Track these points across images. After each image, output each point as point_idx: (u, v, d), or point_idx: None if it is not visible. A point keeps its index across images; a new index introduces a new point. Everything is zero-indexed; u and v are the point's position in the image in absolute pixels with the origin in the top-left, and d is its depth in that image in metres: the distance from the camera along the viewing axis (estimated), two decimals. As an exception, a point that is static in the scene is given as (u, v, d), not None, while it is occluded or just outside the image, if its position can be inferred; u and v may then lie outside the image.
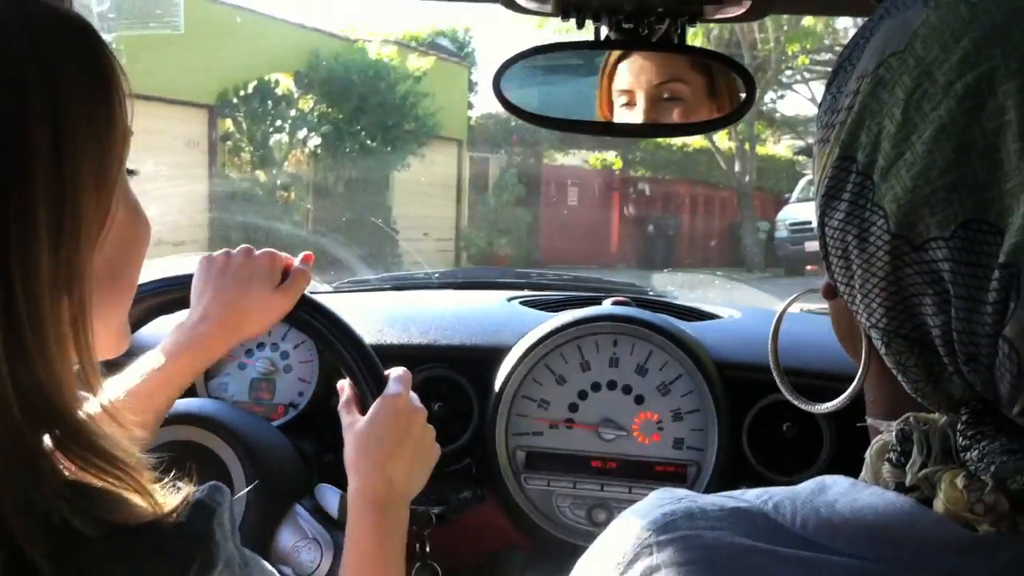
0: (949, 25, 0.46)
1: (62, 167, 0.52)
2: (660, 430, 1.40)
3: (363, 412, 1.02)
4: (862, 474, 0.52)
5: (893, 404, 0.53)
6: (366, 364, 1.06)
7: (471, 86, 17.45)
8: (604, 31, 1.16)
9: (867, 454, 0.52)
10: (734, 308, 1.74)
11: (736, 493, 0.53)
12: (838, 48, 16.27)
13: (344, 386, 1.06)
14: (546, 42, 1.23)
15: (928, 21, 0.47)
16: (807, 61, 16.24)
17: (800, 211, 15.26)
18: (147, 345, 1.05)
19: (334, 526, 1.09)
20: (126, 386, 0.97)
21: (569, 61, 1.35)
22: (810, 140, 17.69)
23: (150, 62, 7.26)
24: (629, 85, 1.29)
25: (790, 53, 15.72)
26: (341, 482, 1.25)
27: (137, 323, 1.18)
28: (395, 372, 1.06)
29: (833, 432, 1.37)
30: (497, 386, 1.41)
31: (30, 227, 0.50)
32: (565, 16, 1.14)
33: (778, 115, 19.38)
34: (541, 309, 1.63)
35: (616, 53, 1.30)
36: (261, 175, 12.10)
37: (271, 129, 12.14)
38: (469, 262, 14.49)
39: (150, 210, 0.65)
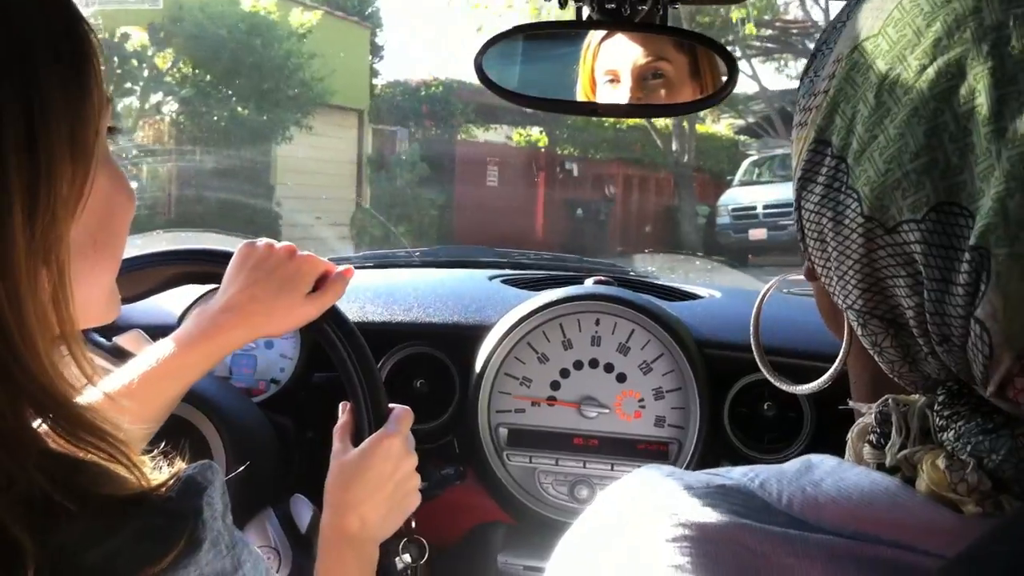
0: (921, 9, 0.46)
1: (35, 137, 0.51)
2: (642, 408, 1.41)
3: (356, 442, 1.01)
4: (845, 456, 0.52)
5: (875, 386, 0.53)
6: (373, 397, 1.04)
7: (375, 50, 15.86)
8: (586, 11, 1.16)
9: (848, 436, 0.52)
10: (714, 288, 1.74)
11: (722, 471, 0.53)
12: (779, 24, 16.10)
13: (344, 410, 1.05)
14: (523, 22, 1.22)
15: (901, 5, 0.47)
16: (754, 31, 15.00)
17: (743, 195, 14.16)
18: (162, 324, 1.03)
19: (298, 542, 1.09)
20: (138, 370, 0.95)
21: (551, 41, 1.34)
22: (751, 119, 17.18)
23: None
24: (614, 64, 1.29)
25: (734, 20, 14.34)
26: (322, 464, 1.25)
27: (165, 285, 1.17)
28: (397, 411, 1.04)
29: (814, 412, 1.38)
30: (479, 364, 1.42)
31: (3, 198, 0.49)
32: (548, -6, 1.13)
33: (719, 92, 18.32)
34: (523, 288, 1.63)
35: (600, 33, 1.29)
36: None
37: (118, 92, 10.22)
38: (365, 250, 12.66)
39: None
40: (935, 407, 0.47)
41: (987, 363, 0.42)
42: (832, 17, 0.56)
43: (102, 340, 1.19)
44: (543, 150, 16.76)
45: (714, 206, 15.08)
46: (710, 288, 1.74)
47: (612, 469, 1.40)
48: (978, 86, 0.42)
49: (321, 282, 1.06)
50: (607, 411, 1.41)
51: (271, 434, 1.26)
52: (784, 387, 0.64)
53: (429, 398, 1.46)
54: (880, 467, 0.48)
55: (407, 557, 1.18)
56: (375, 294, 1.57)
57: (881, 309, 0.48)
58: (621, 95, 1.29)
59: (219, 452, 1.13)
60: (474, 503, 1.45)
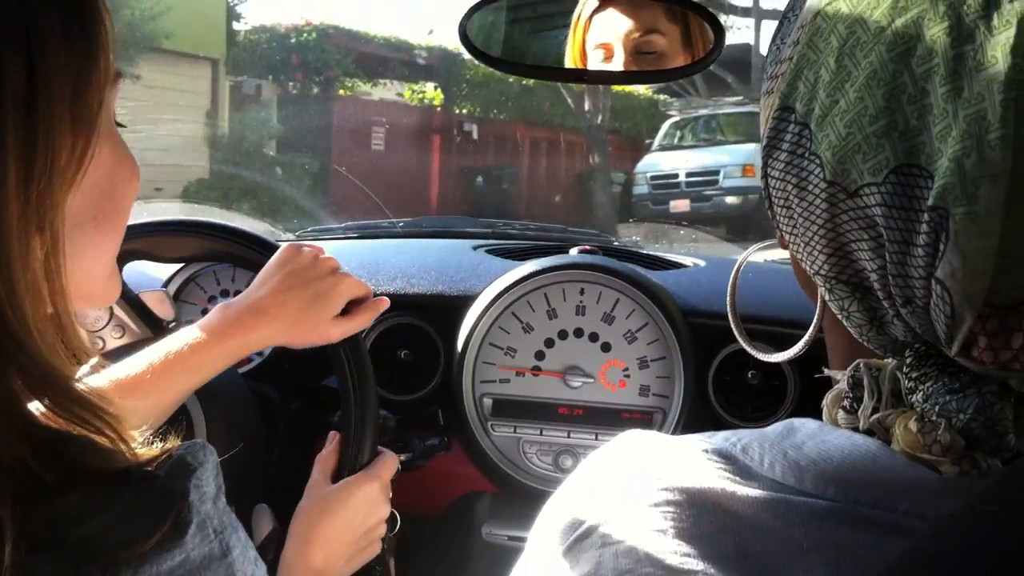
0: None
1: (35, 103, 0.49)
2: (627, 377, 1.41)
3: (335, 477, 1.01)
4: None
5: (849, 354, 0.53)
6: (364, 437, 1.03)
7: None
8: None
9: (823, 403, 0.52)
10: (698, 257, 1.74)
11: (704, 435, 0.53)
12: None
13: (331, 439, 1.04)
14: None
15: None
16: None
17: (664, 161, 12.46)
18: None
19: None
20: (154, 361, 0.93)
21: (538, 6, 1.33)
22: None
23: None
24: (606, 37, 1.28)
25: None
26: (304, 434, 1.24)
27: (199, 257, 1.14)
28: (383, 457, 1.04)
29: (797, 379, 1.39)
30: (464, 334, 1.41)
31: None
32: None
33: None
34: (507, 258, 1.63)
35: (591, 4, 1.28)
36: None
37: None
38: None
39: None
40: (903, 369, 0.48)
41: (949, 323, 0.43)
42: None
43: (128, 289, 1.18)
44: (439, 109, 14.36)
45: (631, 173, 13.34)
46: (694, 257, 1.74)
47: (596, 439, 1.40)
48: (935, 46, 0.43)
49: (352, 304, 1.04)
50: (592, 380, 1.41)
51: (255, 405, 1.25)
52: (759, 355, 0.65)
53: (413, 368, 1.46)
54: (855, 431, 0.49)
55: None
56: (359, 264, 1.56)
57: (847, 274, 0.49)
58: (614, 68, 1.28)
59: (200, 424, 1.12)
60: (458, 473, 1.45)
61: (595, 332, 1.42)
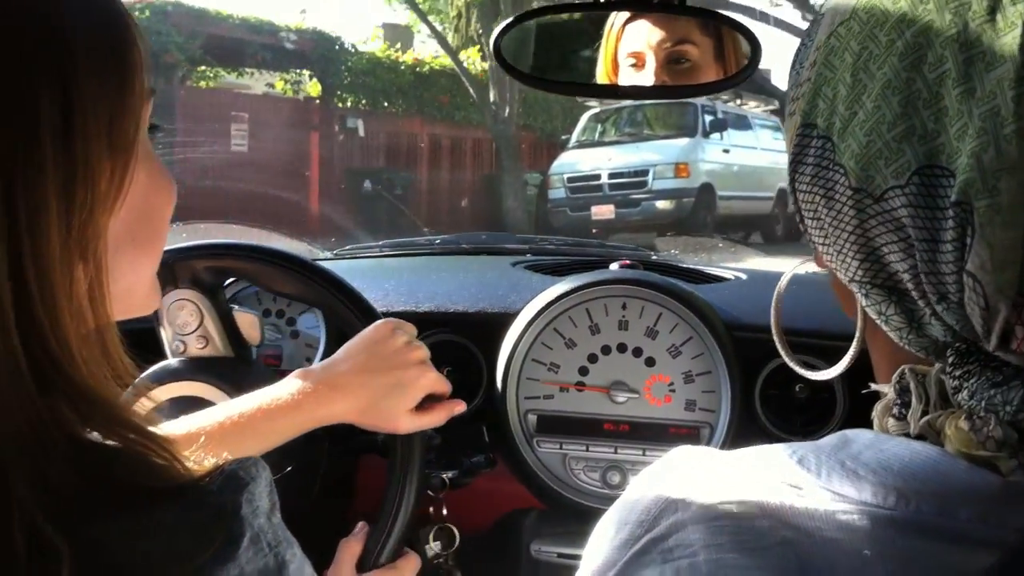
0: None
1: (71, 132, 0.50)
2: (672, 392, 1.40)
3: (360, 567, 1.01)
4: None
5: (893, 363, 0.53)
6: (396, 533, 1.02)
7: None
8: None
9: (873, 414, 0.53)
10: (739, 271, 1.73)
11: (758, 448, 0.54)
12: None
13: (360, 529, 1.04)
14: (546, 3, 1.20)
15: None
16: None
17: (583, 160, 11.06)
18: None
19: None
20: (223, 420, 0.92)
21: (568, 23, 1.33)
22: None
23: None
24: (638, 47, 1.28)
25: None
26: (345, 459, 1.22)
27: (305, 301, 1.13)
28: (409, 556, 1.04)
29: (846, 392, 1.37)
30: (506, 350, 1.41)
31: (39, 195, 0.48)
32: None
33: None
34: (547, 274, 1.63)
35: (623, 15, 1.28)
36: None
37: None
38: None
39: None
40: (947, 370, 0.48)
41: (985, 315, 0.44)
42: None
43: (224, 303, 1.16)
44: (317, 102, 12.39)
45: (546, 174, 11.81)
46: (735, 270, 1.73)
47: (644, 454, 1.38)
48: (944, 52, 0.45)
49: (427, 399, 1.03)
50: (637, 395, 1.40)
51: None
52: (805, 373, 0.65)
53: (456, 386, 1.44)
54: (910, 439, 0.49)
55: (437, 545, 1.17)
56: (399, 282, 1.56)
57: (880, 277, 0.50)
58: (645, 79, 1.28)
59: None
60: (504, 490, 1.44)
61: (639, 347, 1.41)
